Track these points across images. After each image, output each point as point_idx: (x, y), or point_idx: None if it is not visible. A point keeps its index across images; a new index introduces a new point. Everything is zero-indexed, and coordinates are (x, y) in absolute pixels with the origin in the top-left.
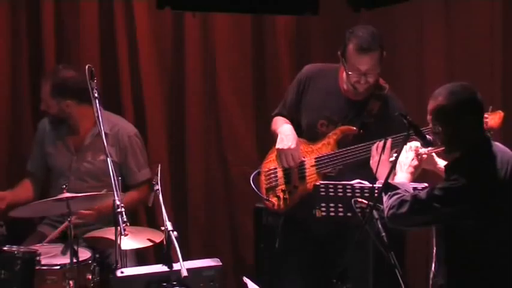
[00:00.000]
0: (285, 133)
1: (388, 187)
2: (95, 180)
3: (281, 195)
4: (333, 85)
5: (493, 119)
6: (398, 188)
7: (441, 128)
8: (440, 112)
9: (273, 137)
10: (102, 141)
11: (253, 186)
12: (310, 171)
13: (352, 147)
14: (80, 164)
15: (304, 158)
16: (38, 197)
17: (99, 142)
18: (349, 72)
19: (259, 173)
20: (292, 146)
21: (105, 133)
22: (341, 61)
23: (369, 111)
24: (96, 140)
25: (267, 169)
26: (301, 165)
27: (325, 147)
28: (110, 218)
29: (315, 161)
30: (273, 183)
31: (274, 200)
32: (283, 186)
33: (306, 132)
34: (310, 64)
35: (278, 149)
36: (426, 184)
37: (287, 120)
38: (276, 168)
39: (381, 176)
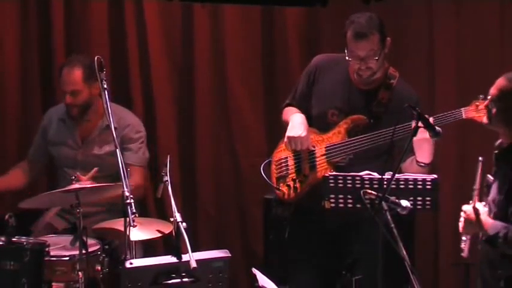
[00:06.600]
0: (296, 121)
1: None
2: (100, 173)
3: (291, 184)
4: (343, 75)
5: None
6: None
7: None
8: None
9: (283, 127)
10: (111, 133)
11: (263, 175)
12: (321, 160)
13: (362, 136)
14: (85, 156)
15: (314, 147)
16: (30, 182)
17: (106, 135)
18: (349, 59)
19: (269, 163)
20: (303, 134)
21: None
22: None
23: (379, 101)
24: (102, 133)
25: (277, 158)
26: (311, 154)
27: (335, 136)
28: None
29: (325, 150)
30: (284, 172)
31: (284, 189)
32: (293, 175)
33: (317, 122)
34: (320, 54)
35: (288, 136)
36: (435, 175)
37: (298, 110)
38: (286, 158)
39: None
